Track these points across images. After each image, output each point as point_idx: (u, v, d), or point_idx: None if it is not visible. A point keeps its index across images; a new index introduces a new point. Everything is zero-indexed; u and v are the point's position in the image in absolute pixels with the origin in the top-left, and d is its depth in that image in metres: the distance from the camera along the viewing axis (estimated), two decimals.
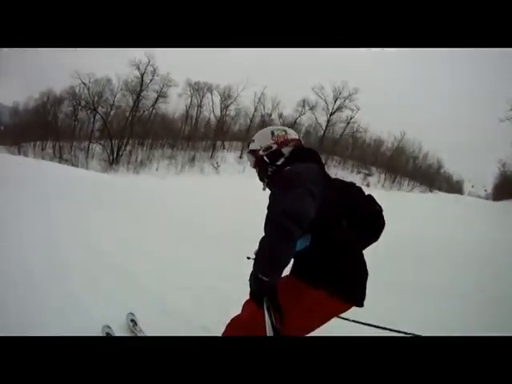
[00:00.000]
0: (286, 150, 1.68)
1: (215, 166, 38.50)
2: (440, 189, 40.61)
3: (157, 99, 38.76)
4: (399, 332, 1.81)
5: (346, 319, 1.73)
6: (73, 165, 33.16)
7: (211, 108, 41.67)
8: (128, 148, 37.79)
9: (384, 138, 41.86)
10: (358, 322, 1.93)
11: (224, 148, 40.43)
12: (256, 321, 1.38)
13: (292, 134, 1.75)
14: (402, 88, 46.04)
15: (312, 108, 41.46)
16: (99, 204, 7.26)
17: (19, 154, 34.86)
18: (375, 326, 1.96)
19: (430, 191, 39.50)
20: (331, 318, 1.55)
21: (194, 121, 42.05)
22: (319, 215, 1.37)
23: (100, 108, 38.10)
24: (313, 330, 1.54)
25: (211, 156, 39.51)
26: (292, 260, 1.45)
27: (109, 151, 37.00)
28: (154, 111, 39.26)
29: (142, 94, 38.30)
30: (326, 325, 1.55)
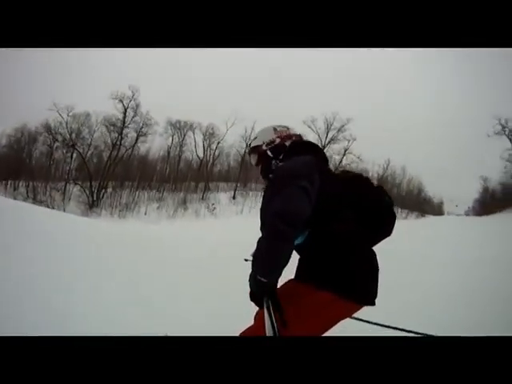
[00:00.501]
0: (288, 143, 1.67)
1: (211, 208, 36.13)
2: (427, 212, 40.69)
3: (137, 138, 36.91)
4: (410, 332, 2.01)
5: (357, 319, 1.68)
6: (48, 207, 30.50)
7: (194, 148, 40.44)
8: (109, 190, 35.24)
9: (369, 167, 40.78)
10: (367, 322, 2.10)
11: (209, 189, 38.63)
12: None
13: (293, 131, 1.75)
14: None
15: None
16: (85, 252, 5.86)
17: None
18: (385, 326, 2.13)
19: (422, 216, 39.47)
20: (340, 320, 1.45)
21: (176, 161, 40.27)
22: (318, 208, 1.34)
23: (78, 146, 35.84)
24: (319, 334, 1.44)
25: (202, 198, 37.42)
26: (297, 263, 1.46)
27: (88, 192, 34.14)
28: (133, 151, 37.46)
29: (123, 132, 36.34)
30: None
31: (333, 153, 37.49)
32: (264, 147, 1.69)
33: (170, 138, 39.48)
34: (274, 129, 1.72)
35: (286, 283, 1.42)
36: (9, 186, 35.22)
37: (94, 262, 5.02)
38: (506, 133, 32.86)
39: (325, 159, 1.64)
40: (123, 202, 34.71)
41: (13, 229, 6.04)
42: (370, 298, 1.41)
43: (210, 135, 39.76)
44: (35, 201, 32.35)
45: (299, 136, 1.74)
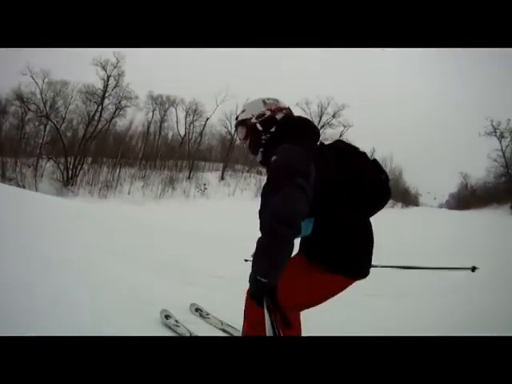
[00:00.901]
0: (279, 117, 1.65)
1: (202, 188, 33.28)
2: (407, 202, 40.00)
3: (115, 111, 33.47)
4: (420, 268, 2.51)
5: (375, 266, 1.69)
6: (18, 185, 27.82)
7: (176, 125, 37.59)
8: (85, 167, 32.02)
9: None
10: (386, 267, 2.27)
11: (195, 169, 35.75)
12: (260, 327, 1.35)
13: (283, 103, 1.71)
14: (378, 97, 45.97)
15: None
16: (63, 236, 4.76)
17: None
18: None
19: (406, 206, 38.68)
20: (333, 295, 1.58)
21: (156, 138, 37.23)
22: (317, 196, 1.38)
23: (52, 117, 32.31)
24: (311, 306, 1.59)
25: (189, 177, 34.58)
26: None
27: (62, 168, 30.87)
28: (111, 126, 34.03)
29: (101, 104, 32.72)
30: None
31: (325, 138, 35.95)
32: (253, 120, 1.66)
33: (151, 113, 36.38)
34: (264, 101, 1.68)
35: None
36: None
37: (75, 248, 4.05)
38: (497, 134, 33.84)
39: (316, 135, 1.65)
40: (102, 180, 31.58)
41: None
42: (360, 272, 1.55)
43: (193, 112, 37.06)
44: (3, 178, 29.42)
45: (289, 109, 1.71)
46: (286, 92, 39.80)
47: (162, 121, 36.96)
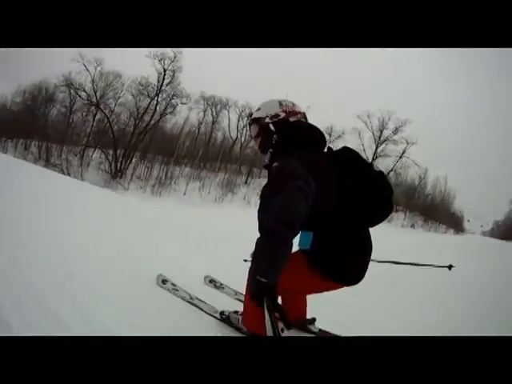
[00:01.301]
0: (292, 120, 1.68)
1: None
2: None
3: (165, 108, 31.10)
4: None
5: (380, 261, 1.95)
6: (63, 172, 26.36)
7: (228, 127, 35.49)
8: (134, 161, 29.98)
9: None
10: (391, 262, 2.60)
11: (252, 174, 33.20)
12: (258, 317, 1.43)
13: (299, 107, 1.75)
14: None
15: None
16: (114, 232, 3.92)
17: None
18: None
19: (457, 232, 36.34)
20: (320, 292, 1.71)
21: (206, 139, 35.18)
22: (317, 211, 1.42)
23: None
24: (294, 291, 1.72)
25: (246, 182, 32.08)
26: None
27: (110, 159, 28.88)
28: (160, 122, 31.76)
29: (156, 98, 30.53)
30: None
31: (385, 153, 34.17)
32: (267, 120, 1.70)
33: (202, 113, 34.36)
34: (280, 103, 1.73)
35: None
36: (20, 144, 30.72)
37: (129, 247, 3.32)
38: None
39: (323, 143, 1.68)
40: (155, 176, 29.18)
41: (22, 193, 4.70)
42: (349, 279, 1.62)
43: (247, 115, 34.56)
44: (47, 163, 28.13)
45: (304, 114, 1.74)
46: (346, 103, 38.33)
47: (214, 122, 35.15)
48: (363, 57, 46.19)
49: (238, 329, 1.90)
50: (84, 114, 31.60)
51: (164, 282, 2.38)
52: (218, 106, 34.77)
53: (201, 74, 34.58)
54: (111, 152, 29.14)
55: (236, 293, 2.54)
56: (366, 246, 1.62)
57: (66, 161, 28.50)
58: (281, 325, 1.34)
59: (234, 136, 35.59)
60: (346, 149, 1.68)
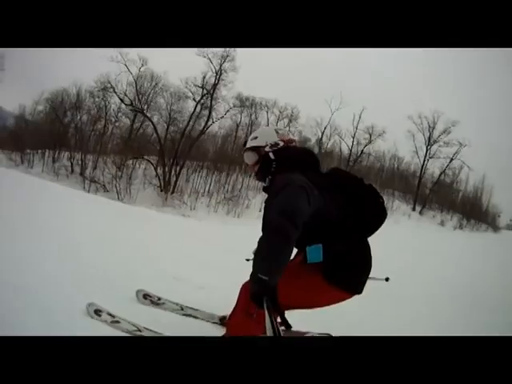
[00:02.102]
0: (289, 147, 1.76)
1: None
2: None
3: (210, 111, 27.37)
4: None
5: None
6: (105, 188, 23.34)
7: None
8: (185, 171, 26.31)
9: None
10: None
11: None
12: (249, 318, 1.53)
13: (292, 135, 1.84)
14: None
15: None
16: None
17: (22, 163, 26.90)
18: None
19: (494, 230, 35.07)
20: (326, 305, 1.67)
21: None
22: (325, 221, 1.52)
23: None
24: (299, 308, 1.65)
25: None
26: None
27: (160, 172, 25.32)
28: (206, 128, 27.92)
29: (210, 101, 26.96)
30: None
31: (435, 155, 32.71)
32: (267, 149, 1.74)
33: (239, 115, 31.32)
34: (276, 131, 1.79)
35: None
36: (46, 156, 27.01)
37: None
38: None
39: (318, 165, 1.75)
40: (215, 190, 25.25)
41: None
42: (359, 289, 1.62)
43: (288, 116, 32.36)
44: (83, 177, 24.80)
45: (295, 141, 1.83)
46: (397, 103, 36.83)
47: (252, 124, 32.09)
48: (411, 56, 44.98)
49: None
50: (121, 120, 28.64)
51: (145, 296, 2.25)
52: (256, 107, 32.01)
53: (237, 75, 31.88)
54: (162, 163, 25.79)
55: (182, 307, 2.25)
56: (370, 255, 1.64)
57: (103, 175, 24.96)
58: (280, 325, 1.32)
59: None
60: (336, 168, 1.80)
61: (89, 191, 21.49)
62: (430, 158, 32.98)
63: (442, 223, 31.44)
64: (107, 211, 6.81)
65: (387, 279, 1.89)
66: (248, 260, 1.67)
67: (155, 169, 25.58)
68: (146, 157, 25.69)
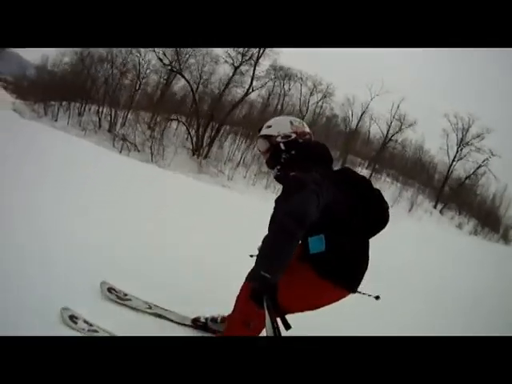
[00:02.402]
0: (301, 140, 1.73)
1: None
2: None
3: (252, 79, 26.34)
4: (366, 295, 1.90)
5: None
6: (136, 148, 22.20)
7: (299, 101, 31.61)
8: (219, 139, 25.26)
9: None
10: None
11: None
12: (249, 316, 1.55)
13: (307, 128, 1.80)
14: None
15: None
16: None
17: (45, 114, 25.86)
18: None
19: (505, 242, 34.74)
20: (324, 306, 1.64)
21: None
22: (332, 216, 1.48)
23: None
24: (299, 311, 1.62)
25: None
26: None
27: (193, 134, 24.04)
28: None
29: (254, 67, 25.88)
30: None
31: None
32: (278, 139, 1.72)
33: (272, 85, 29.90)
34: (291, 122, 1.76)
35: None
36: (71, 108, 25.47)
37: None
38: None
39: (331, 161, 1.74)
40: (251, 159, 24.15)
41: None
42: (355, 287, 1.60)
43: (323, 92, 31.43)
44: (111, 133, 23.52)
45: (310, 135, 1.78)
46: (434, 100, 36.28)
47: (285, 94, 31.30)
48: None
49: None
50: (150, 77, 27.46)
51: (110, 290, 2.07)
52: (289, 78, 30.64)
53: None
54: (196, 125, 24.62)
55: (151, 306, 2.08)
56: (368, 255, 1.64)
57: (134, 134, 23.70)
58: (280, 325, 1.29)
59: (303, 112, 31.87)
60: (347, 168, 1.80)
61: (120, 151, 20.60)
62: (460, 159, 32.73)
63: (460, 226, 30.94)
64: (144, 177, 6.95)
65: (377, 297, 1.79)
66: (252, 256, 1.66)
67: (188, 131, 24.37)
68: (178, 117, 24.53)
